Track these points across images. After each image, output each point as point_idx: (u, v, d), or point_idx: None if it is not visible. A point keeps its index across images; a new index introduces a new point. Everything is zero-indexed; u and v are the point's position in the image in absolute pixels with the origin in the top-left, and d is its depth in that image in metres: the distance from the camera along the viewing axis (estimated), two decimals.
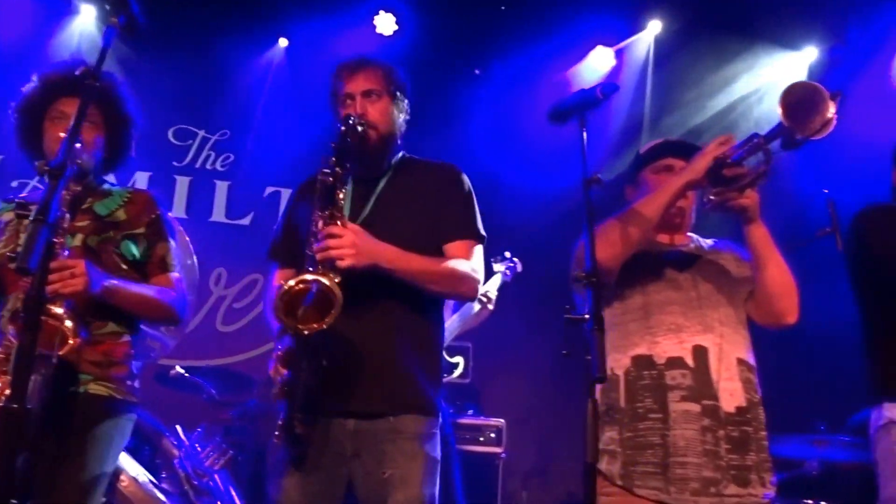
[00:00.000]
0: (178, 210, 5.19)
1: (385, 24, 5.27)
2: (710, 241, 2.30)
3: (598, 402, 1.61)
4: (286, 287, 1.82)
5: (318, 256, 1.89)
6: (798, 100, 1.84)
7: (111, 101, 2.29)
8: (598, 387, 1.69)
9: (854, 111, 4.58)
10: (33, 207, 1.55)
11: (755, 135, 1.94)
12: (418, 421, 2.03)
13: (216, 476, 3.52)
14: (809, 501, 3.55)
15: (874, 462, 2.22)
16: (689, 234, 2.29)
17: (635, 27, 5.46)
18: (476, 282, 2.14)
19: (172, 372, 3.85)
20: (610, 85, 1.82)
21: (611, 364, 2.04)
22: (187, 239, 3.46)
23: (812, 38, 5.31)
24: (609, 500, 1.96)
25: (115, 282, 2.13)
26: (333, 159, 2.02)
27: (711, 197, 2.02)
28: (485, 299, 3.71)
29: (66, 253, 2.04)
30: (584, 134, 1.81)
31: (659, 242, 2.23)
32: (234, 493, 3.57)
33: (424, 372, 2.07)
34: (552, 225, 4.63)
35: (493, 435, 4.22)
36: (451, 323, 3.60)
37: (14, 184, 4.58)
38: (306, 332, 1.82)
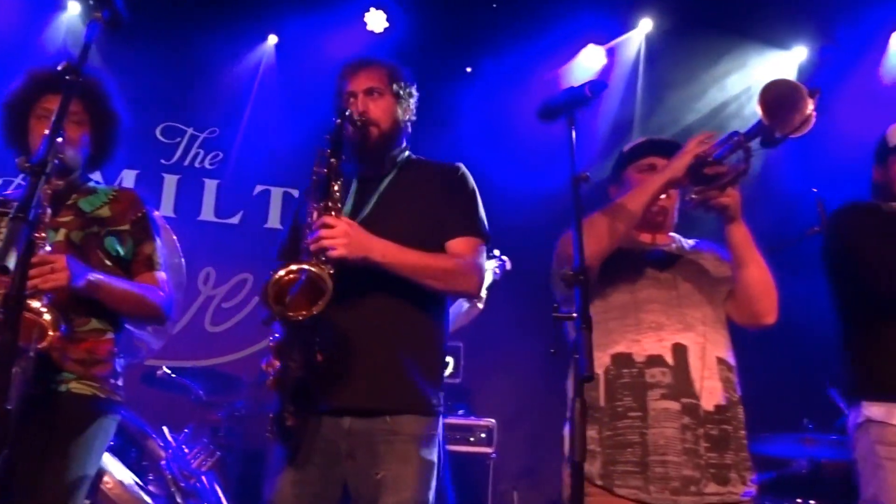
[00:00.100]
0: (166, 209, 5.13)
1: (376, 21, 5.26)
2: (691, 242, 2.29)
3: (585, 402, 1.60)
4: (276, 276, 1.82)
5: (312, 247, 1.88)
6: (777, 97, 1.83)
7: (96, 98, 2.26)
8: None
9: (844, 110, 4.60)
10: (15, 205, 1.52)
11: (735, 133, 1.93)
12: (417, 422, 1.99)
13: (203, 478, 3.50)
14: (798, 500, 3.56)
15: (854, 462, 2.22)
16: (672, 234, 2.28)
17: (626, 26, 5.47)
18: (478, 278, 2.11)
19: (159, 372, 3.82)
20: (598, 83, 1.80)
21: None
22: (175, 238, 3.43)
23: (802, 37, 5.34)
24: (589, 500, 1.94)
25: (99, 276, 2.10)
26: (328, 151, 2.01)
27: (693, 196, 2.01)
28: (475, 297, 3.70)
29: (49, 248, 2.02)
30: (573, 132, 1.80)
31: (641, 241, 2.22)
32: (221, 494, 3.55)
33: (425, 371, 2.03)
34: (542, 223, 4.58)
35: (483, 435, 4.19)
36: None
37: None
38: (296, 319, 1.80)
